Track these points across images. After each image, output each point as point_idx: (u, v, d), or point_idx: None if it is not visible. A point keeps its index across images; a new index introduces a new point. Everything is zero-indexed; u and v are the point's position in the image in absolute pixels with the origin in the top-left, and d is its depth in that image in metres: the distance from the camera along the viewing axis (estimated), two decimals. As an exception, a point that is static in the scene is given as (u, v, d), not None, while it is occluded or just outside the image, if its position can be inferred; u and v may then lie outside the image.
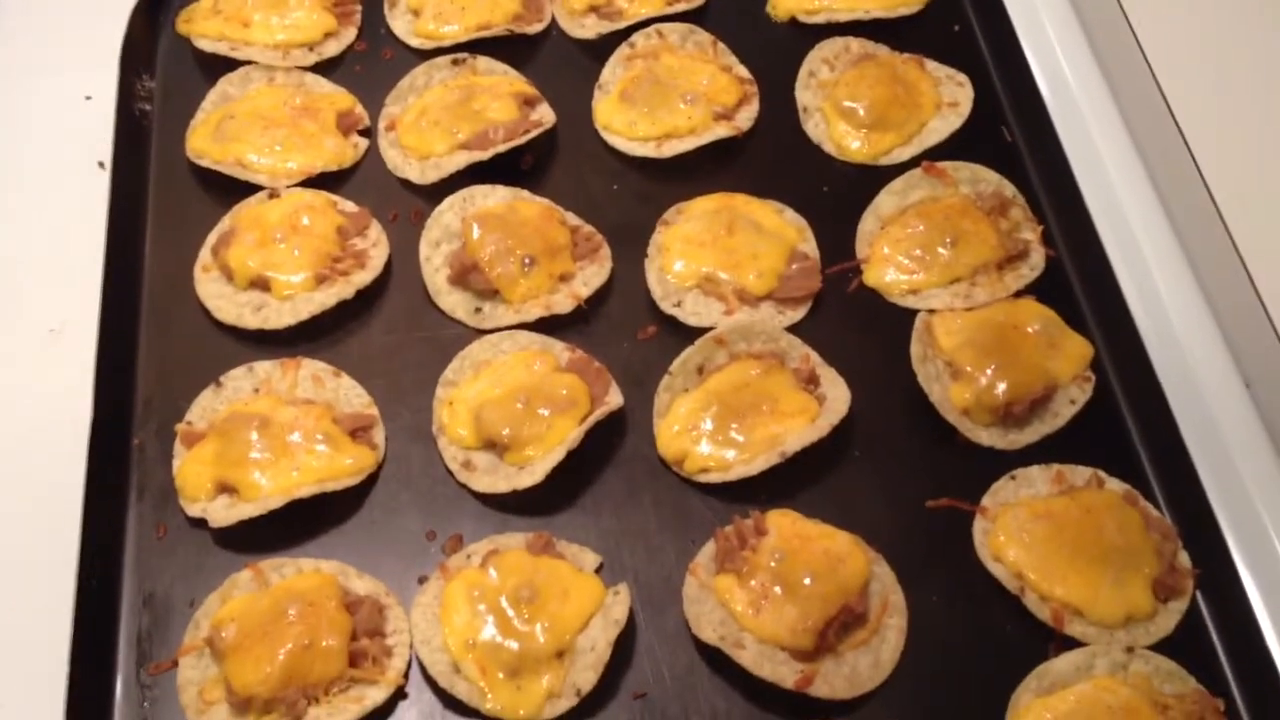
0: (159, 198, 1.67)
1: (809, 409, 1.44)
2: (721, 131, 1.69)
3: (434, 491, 1.43)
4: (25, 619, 1.33)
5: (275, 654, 1.25)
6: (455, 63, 1.76)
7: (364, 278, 1.55)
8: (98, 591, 1.33)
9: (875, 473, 1.45)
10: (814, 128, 1.73)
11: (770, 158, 1.71)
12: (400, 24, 1.83)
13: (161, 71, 1.80)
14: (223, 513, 1.37)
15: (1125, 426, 1.48)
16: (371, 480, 1.43)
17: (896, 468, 1.45)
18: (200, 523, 1.39)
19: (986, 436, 1.45)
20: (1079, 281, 1.59)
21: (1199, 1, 1.70)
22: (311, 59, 1.78)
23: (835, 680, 1.28)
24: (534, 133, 1.65)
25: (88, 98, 1.77)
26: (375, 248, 1.59)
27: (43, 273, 1.62)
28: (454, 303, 1.55)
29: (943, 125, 1.71)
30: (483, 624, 1.29)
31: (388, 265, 1.58)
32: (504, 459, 1.42)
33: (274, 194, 1.61)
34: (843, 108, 1.71)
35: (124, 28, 1.77)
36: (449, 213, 1.60)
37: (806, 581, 1.30)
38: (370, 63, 1.81)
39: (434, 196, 1.63)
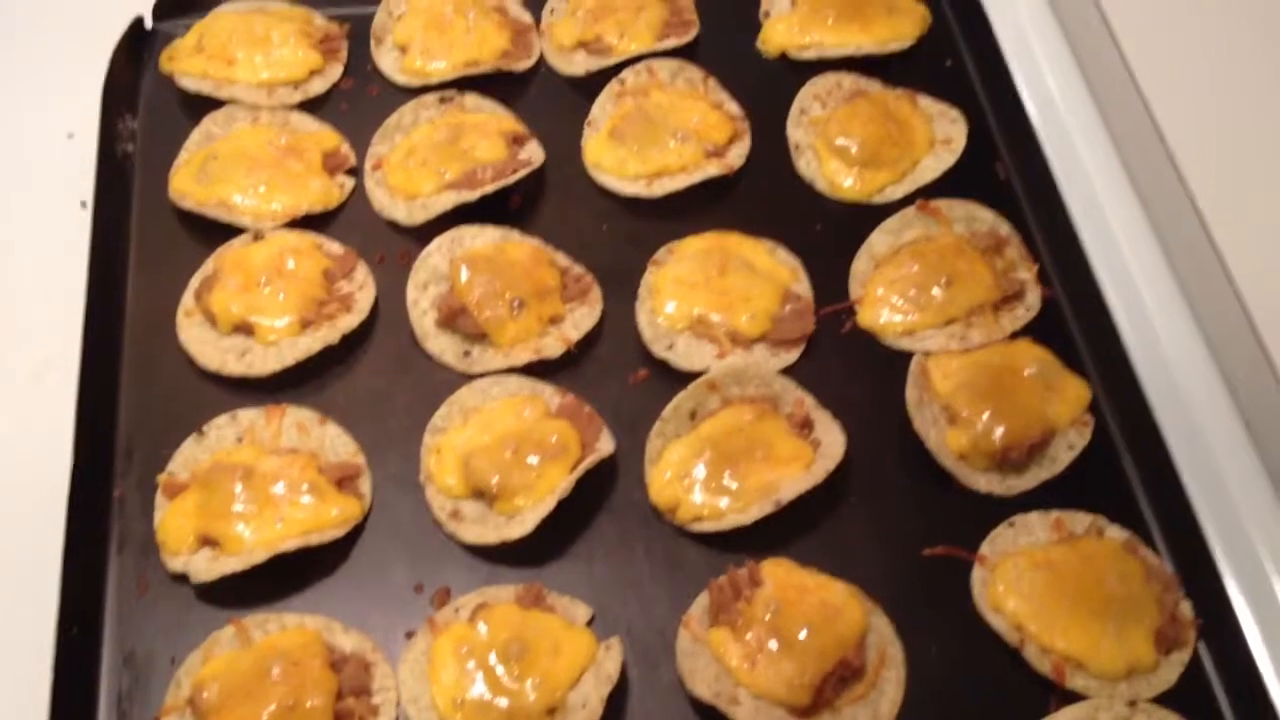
0: (141, 239, 1.64)
1: (803, 455, 1.42)
2: (712, 169, 1.67)
3: (422, 542, 1.40)
4: (2, 677, 1.30)
5: (258, 715, 1.22)
6: (443, 100, 1.74)
7: (350, 322, 1.53)
8: (77, 649, 1.30)
9: (871, 520, 1.42)
10: (806, 165, 1.71)
11: (762, 196, 1.69)
12: (387, 61, 1.81)
13: (144, 110, 1.77)
14: (205, 567, 1.34)
15: (1124, 471, 1.46)
16: (358, 531, 1.40)
17: (893, 515, 1.43)
18: (182, 577, 1.36)
19: (984, 482, 1.42)
20: (1076, 321, 1.57)
21: (1194, 35, 1.68)
22: (297, 97, 1.76)
23: (833, 737, 1.25)
24: (522, 172, 1.63)
25: (70, 136, 1.76)
26: (361, 290, 1.56)
27: (22, 315, 1.61)
28: (442, 346, 1.53)
29: (936, 163, 1.69)
30: (471, 681, 1.26)
31: (374, 308, 1.56)
32: (493, 508, 1.40)
33: (258, 236, 1.59)
34: (835, 145, 1.69)
35: (106, 65, 1.74)
36: (437, 254, 1.58)
37: (802, 635, 1.27)
38: (356, 100, 1.78)
39: (422, 237, 1.60)
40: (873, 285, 1.58)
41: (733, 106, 1.76)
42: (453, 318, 1.52)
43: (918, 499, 1.44)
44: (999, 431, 1.40)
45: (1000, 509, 1.41)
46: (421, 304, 1.56)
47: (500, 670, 1.26)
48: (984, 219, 1.63)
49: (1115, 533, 1.39)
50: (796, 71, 1.80)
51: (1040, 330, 1.54)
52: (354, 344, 1.53)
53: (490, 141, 1.66)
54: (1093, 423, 1.45)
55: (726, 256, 1.57)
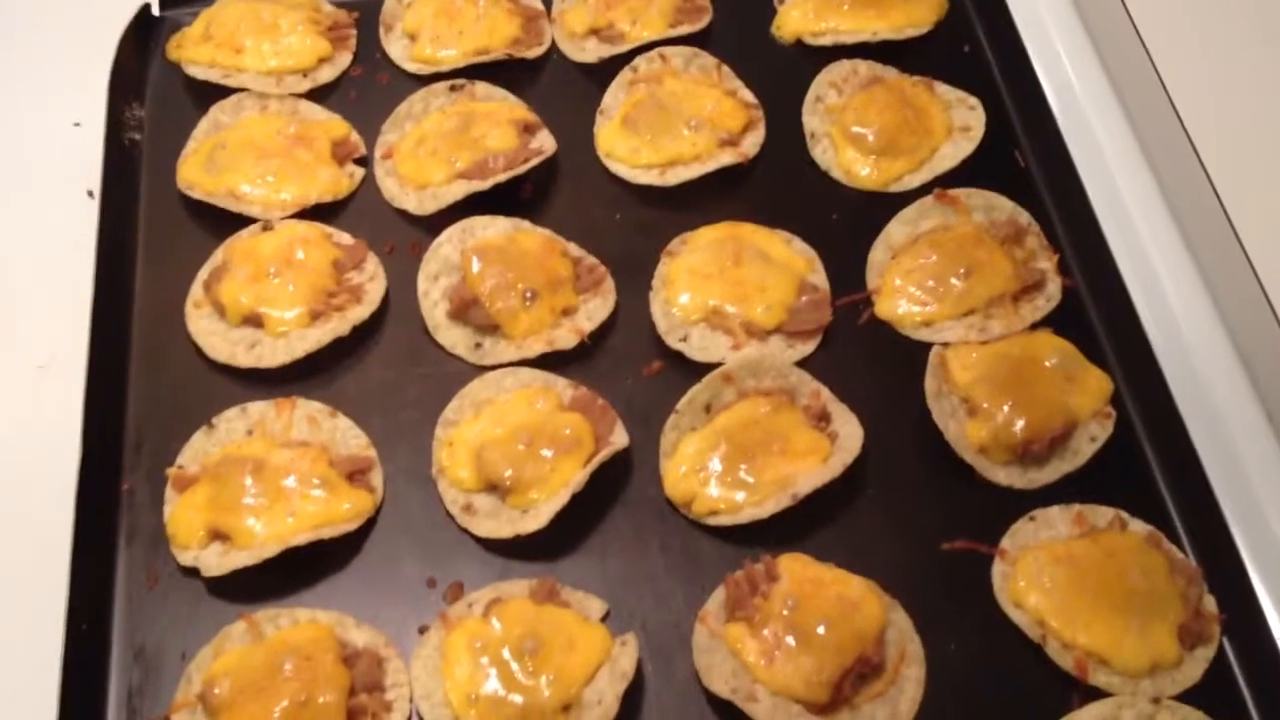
0: (149, 229, 1.63)
1: (820, 448, 1.40)
2: (727, 158, 1.65)
3: (434, 536, 1.38)
4: (11, 673, 1.29)
5: (270, 712, 1.20)
6: (453, 89, 1.71)
7: (360, 313, 1.51)
8: (87, 644, 1.29)
9: (889, 514, 1.40)
10: (822, 154, 1.69)
11: (777, 185, 1.67)
12: (396, 49, 1.79)
13: (151, 99, 1.75)
14: (216, 561, 1.33)
15: (1147, 464, 1.44)
16: (369, 525, 1.39)
17: (911, 508, 1.40)
18: (192, 571, 1.34)
19: (1004, 475, 1.40)
20: (1097, 312, 1.55)
21: (1214, 20, 1.66)
22: (305, 85, 1.74)
23: (852, 735, 1.23)
24: (534, 161, 1.61)
25: (76, 124, 1.74)
26: (372, 281, 1.55)
27: (29, 306, 1.59)
28: (453, 338, 1.51)
29: (954, 150, 1.67)
30: (485, 677, 1.24)
31: (385, 300, 1.54)
32: (506, 502, 1.38)
33: (267, 226, 1.57)
34: (851, 133, 1.67)
35: (113, 53, 1.72)
36: (447, 245, 1.56)
37: (820, 630, 1.25)
38: (366, 89, 1.76)
39: (432, 228, 1.58)
40: (890, 275, 1.55)
41: (747, 94, 1.74)
42: (464, 309, 1.50)
43: (937, 492, 1.41)
44: (1020, 424, 1.38)
45: (1021, 502, 1.39)
46: (432, 295, 1.54)
47: (514, 666, 1.24)
48: (1003, 208, 1.60)
49: (1138, 526, 1.37)
50: (812, 58, 1.78)
51: (1061, 321, 1.52)
52: (364, 336, 1.52)
53: (501, 130, 1.64)
54: (1114, 415, 1.43)
55: (741, 246, 1.55)
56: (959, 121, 1.70)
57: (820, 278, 1.56)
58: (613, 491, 1.41)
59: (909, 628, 1.31)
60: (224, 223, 1.59)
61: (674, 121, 1.66)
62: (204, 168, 1.62)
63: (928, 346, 1.48)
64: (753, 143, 1.69)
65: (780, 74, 1.77)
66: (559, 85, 1.77)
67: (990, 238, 1.56)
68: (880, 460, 1.43)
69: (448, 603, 1.33)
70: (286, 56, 1.74)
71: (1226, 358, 1.50)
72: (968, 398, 1.43)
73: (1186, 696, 1.26)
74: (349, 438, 1.43)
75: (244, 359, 1.48)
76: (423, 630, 1.31)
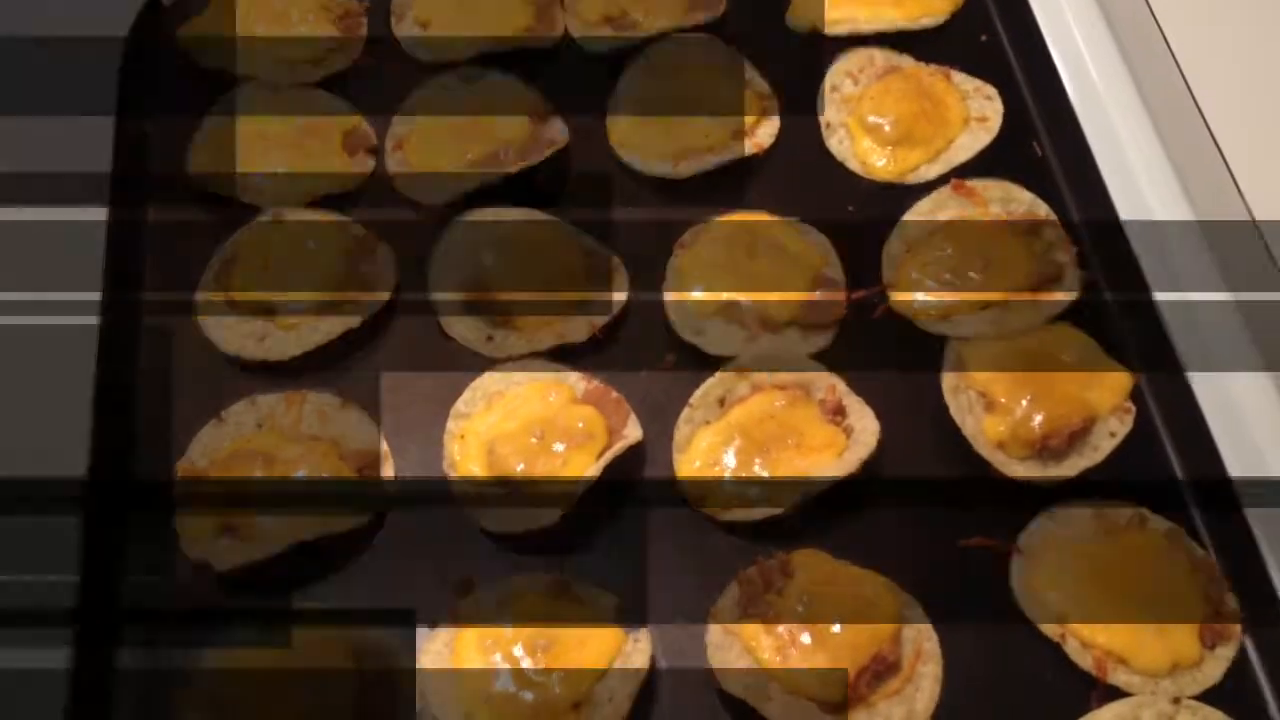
0: (159, 220, 1.61)
1: (836, 442, 1.38)
2: (741, 149, 1.63)
3: (445, 531, 1.37)
4: (21, 671, 1.28)
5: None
6: (465, 78, 1.70)
7: (371, 305, 1.50)
8: (96, 639, 1.28)
9: (906, 510, 1.39)
10: (838, 144, 1.67)
11: (792, 176, 1.65)
12: (408, 37, 1.77)
13: (162, 87, 1.74)
14: (225, 555, 1.32)
15: (1167, 460, 1.43)
16: (380, 519, 1.37)
17: (928, 505, 1.39)
18: (203, 564, 1.33)
19: (1022, 471, 1.38)
20: (1116, 305, 1.53)
21: (1235, 11, 1.64)
22: (316, 75, 1.72)
23: (868, 734, 1.22)
24: (546, 152, 1.60)
25: (85, 113, 1.72)
26: (383, 273, 1.53)
27: (38, 299, 1.57)
28: (465, 330, 1.50)
29: (971, 141, 1.65)
30: (496, 674, 1.23)
31: (395, 291, 1.53)
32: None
33: (278, 217, 1.56)
34: (867, 123, 1.65)
35: (123, 41, 1.71)
36: (459, 236, 1.54)
37: (836, 628, 1.24)
38: (377, 78, 1.75)
39: (443, 218, 1.57)
40: (906, 268, 1.54)
41: (761, 84, 1.72)
42: (476, 301, 1.49)
43: (954, 488, 1.40)
44: (1038, 419, 1.37)
45: (1039, 498, 1.37)
46: (444, 287, 1.52)
47: (526, 663, 1.23)
48: (1021, 199, 1.58)
49: (1158, 523, 1.35)
50: (827, 47, 1.76)
51: (1079, 315, 1.50)
52: (375, 328, 1.51)
53: (513, 120, 1.62)
54: (1134, 410, 1.41)
55: (755, 238, 1.53)
56: (976, 111, 1.68)
57: (835, 270, 1.54)
58: (625, 486, 1.40)
59: (926, 626, 1.29)
60: (234, 213, 1.58)
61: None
62: (214, 157, 1.61)
63: (944, 340, 1.47)
64: (767, 133, 1.67)
65: (795, 64, 1.75)
66: (571, 75, 1.75)
67: (1008, 230, 1.54)
68: (896, 455, 1.41)
69: (458, 598, 1.32)
70: (297, 45, 1.72)
71: (1247, 353, 1.47)
72: (985, 392, 1.41)
73: (1207, 696, 1.25)
74: (359, 431, 1.42)
75: (254, 351, 1.47)
76: (433, 625, 1.30)
